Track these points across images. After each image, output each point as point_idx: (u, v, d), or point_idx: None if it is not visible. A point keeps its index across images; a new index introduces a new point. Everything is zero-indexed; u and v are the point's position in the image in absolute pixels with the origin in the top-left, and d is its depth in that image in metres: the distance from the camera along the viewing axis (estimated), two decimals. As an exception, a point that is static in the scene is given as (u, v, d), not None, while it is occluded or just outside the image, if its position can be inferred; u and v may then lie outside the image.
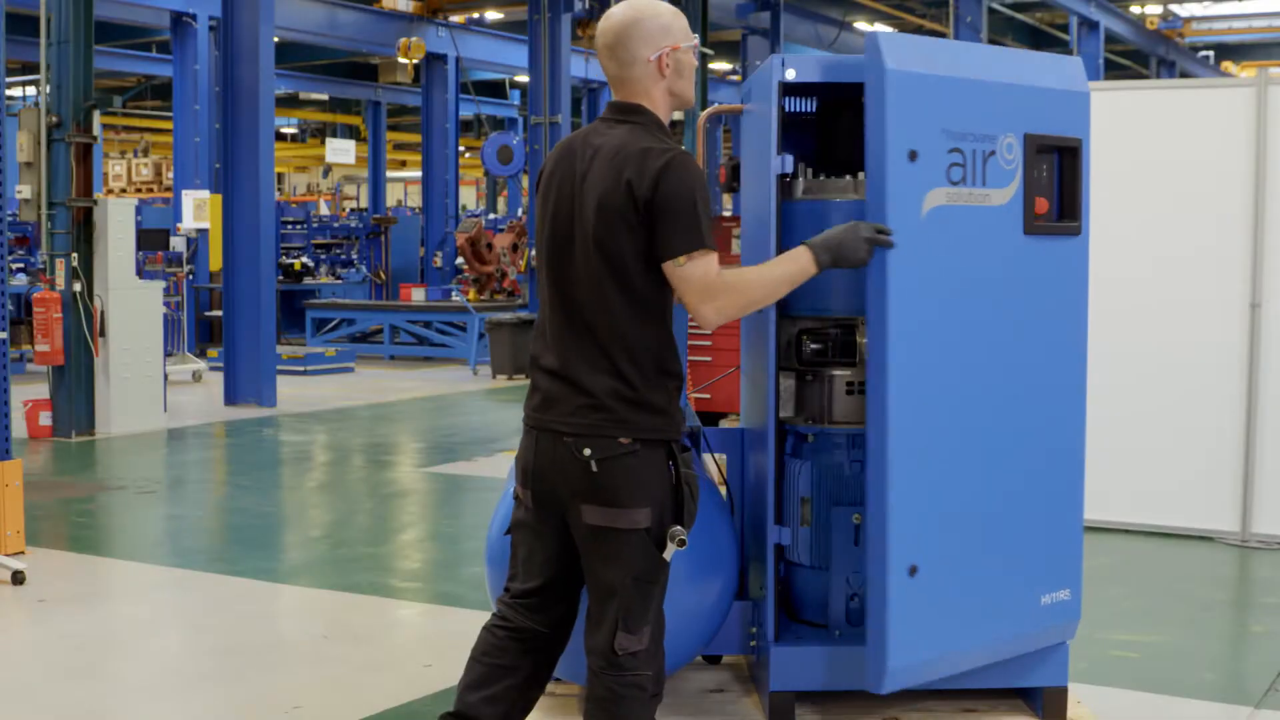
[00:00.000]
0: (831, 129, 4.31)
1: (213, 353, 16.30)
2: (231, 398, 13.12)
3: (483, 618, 5.59)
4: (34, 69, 15.70)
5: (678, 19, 3.24)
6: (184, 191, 17.07)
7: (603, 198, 3.07)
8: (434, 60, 22.05)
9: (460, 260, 19.52)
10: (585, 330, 3.12)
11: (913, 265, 3.60)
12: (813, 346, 4.09)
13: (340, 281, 22.32)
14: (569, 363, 3.14)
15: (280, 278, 18.65)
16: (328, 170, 36.25)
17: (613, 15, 3.23)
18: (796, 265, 3.29)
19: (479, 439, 11.23)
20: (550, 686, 4.04)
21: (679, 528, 3.12)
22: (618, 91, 3.24)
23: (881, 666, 3.64)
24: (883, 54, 3.56)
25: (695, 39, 3.27)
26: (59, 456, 10.24)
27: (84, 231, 10.99)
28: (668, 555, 3.12)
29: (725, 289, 3.09)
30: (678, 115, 15.93)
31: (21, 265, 17.04)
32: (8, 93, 16.97)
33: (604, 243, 3.07)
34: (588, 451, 3.09)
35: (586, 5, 17.65)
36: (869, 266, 3.56)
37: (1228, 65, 28.06)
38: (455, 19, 22.44)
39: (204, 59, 18.67)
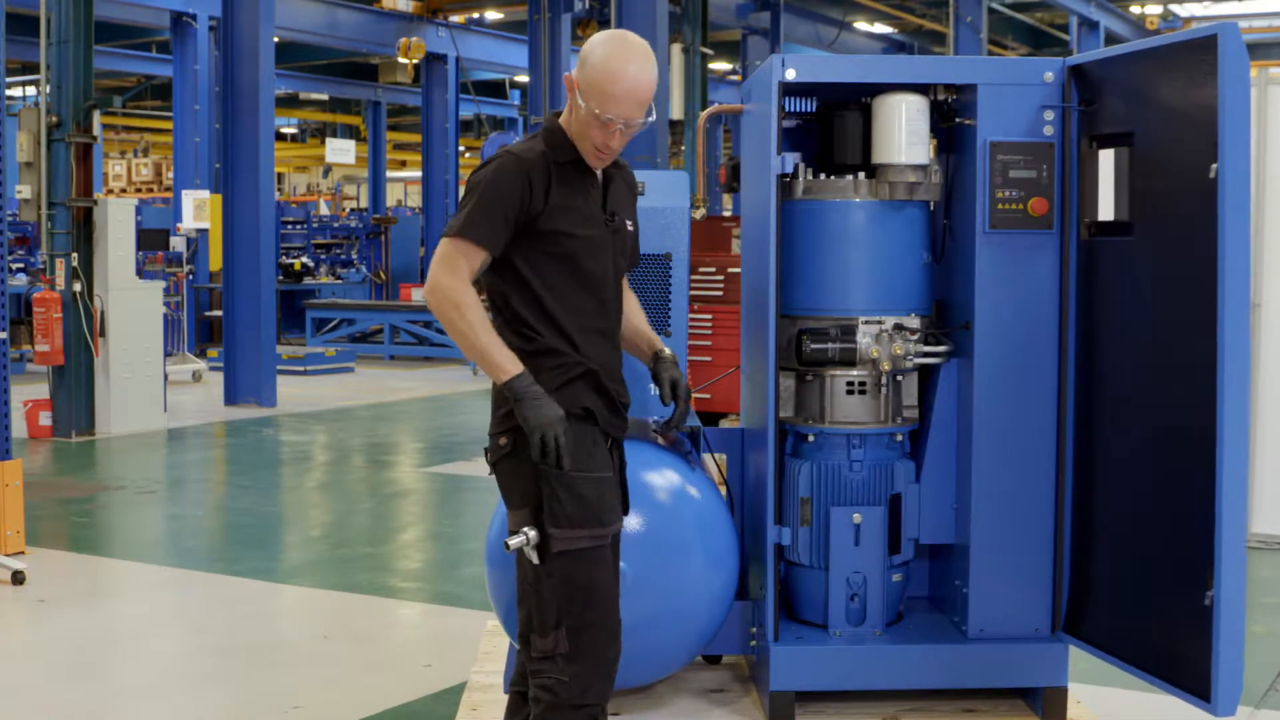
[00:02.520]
0: (831, 129, 4.31)
1: (213, 353, 16.29)
2: (231, 398, 13.11)
3: (483, 617, 5.61)
4: (34, 69, 15.70)
5: (598, 73, 2.99)
6: (184, 191, 17.07)
7: None
8: (434, 60, 22.03)
9: (460, 260, 19.48)
10: None
11: None
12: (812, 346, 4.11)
13: (340, 281, 22.31)
14: None
15: (280, 278, 18.63)
16: (328, 170, 36.21)
17: None
18: (500, 362, 3.02)
19: (479, 439, 11.19)
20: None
21: (526, 531, 3.03)
22: None
23: (1239, 685, 3.44)
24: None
25: (603, 108, 2.99)
26: (59, 456, 10.23)
27: (84, 231, 10.98)
28: (509, 546, 3.05)
29: (450, 300, 3.02)
30: (677, 114, 15.68)
31: (21, 265, 17.02)
32: (8, 93, 16.97)
33: None
34: (488, 456, 3.17)
35: (586, 5, 17.63)
36: (1226, 260, 3.27)
37: (1228, 65, 28.01)
38: (455, 19, 22.42)
39: (204, 59, 18.66)
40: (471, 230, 3.02)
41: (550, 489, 3.04)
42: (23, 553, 6.76)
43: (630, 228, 3.31)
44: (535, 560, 3.05)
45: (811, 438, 4.22)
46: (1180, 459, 3.50)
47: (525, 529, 3.05)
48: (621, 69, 3.01)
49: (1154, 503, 3.69)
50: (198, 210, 16.10)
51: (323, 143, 32.00)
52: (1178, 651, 3.53)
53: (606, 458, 3.16)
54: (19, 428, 10.16)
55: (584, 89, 3.04)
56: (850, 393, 4.18)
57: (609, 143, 3.08)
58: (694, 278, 8.74)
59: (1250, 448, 7.00)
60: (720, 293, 8.90)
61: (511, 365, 3.03)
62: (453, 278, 3.03)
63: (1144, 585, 3.72)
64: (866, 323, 4.14)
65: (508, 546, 3.05)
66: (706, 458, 4.44)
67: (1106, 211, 3.88)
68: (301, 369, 16.07)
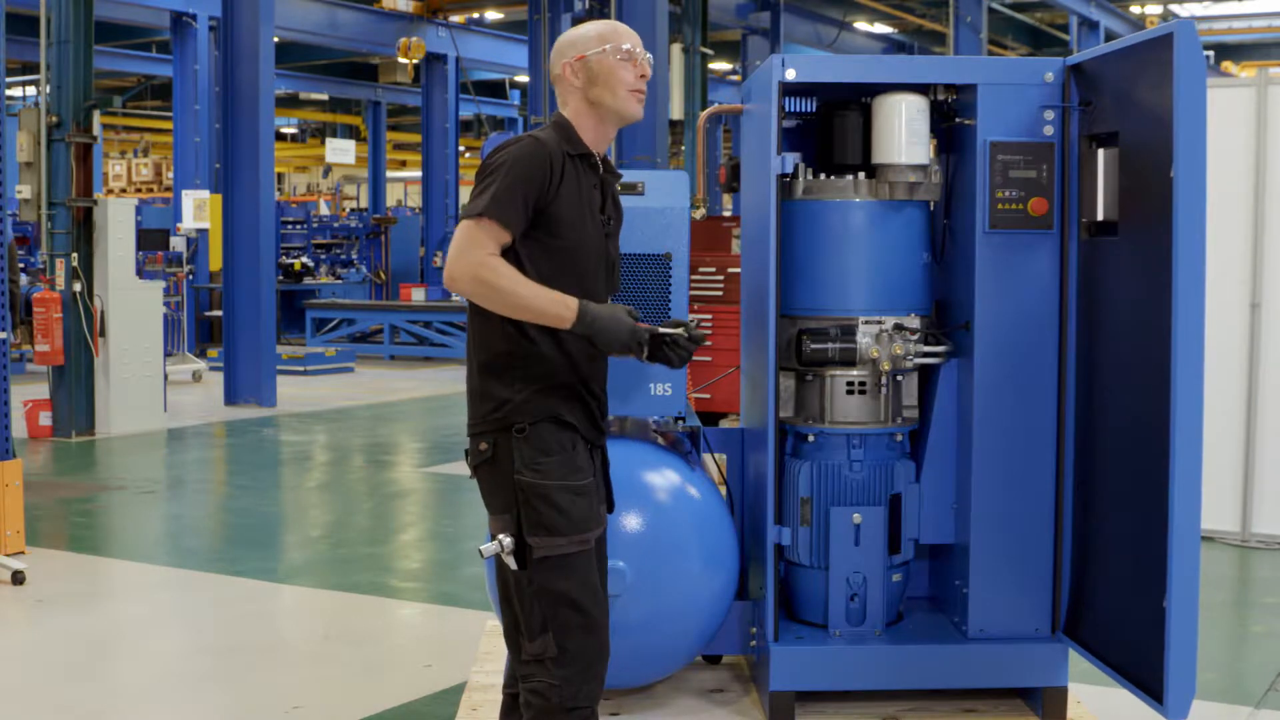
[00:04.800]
0: (831, 129, 4.31)
1: (213, 353, 16.30)
2: (231, 398, 13.11)
3: (483, 617, 5.61)
4: (34, 69, 15.70)
5: (593, 30, 3.16)
6: (184, 191, 17.06)
7: None
8: (434, 60, 22.04)
9: (460, 260, 19.48)
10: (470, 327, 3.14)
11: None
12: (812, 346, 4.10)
13: (340, 281, 22.31)
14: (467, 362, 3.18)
15: (280, 278, 18.64)
16: (328, 170, 36.20)
17: None
18: (557, 309, 2.96)
19: (479, 439, 11.21)
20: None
21: (500, 538, 3.01)
22: None
23: (1191, 689, 3.43)
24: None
25: (617, 42, 3.12)
26: (59, 456, 10.23)
27: (84, 231, 10.98)
28: (484, 553, 3.04)
29: (478, 272, 2.92)
30: (677, 115, 15.62)
31: (22, 265, 17.01)
32: (8, 93, 16.97)
33: None
34: (469, 459, 3.13)
35: (586, 5, 17.64)
36: None
37: (1228, 65, 28.02)
38: (455, 19, 22.43)
39: (204, 59, 18.66)
40: (497, 210, 2.94)
41: (527, 499, 3.01)
42: (23, 553, 6.75)
43: (617, 240, 3.27)
44: (514, 566, 3.03)
45: (811, 438, 4.22)
46: (1149, 460, 3.50)
47: (500, 536, 3.02)
48: (602, 22, 3.21)
49: (1132, 505, 3.69)
50: (198, 210, 16.10)
51: (323, 143, 32.00)
52: (1143, 654, 3.54)
53: (587, 464, 3.11)
54: (19, 428, 10.15)
55: (590, 47, 3.13)
56: (850, 393, 4.18)
57: (642, 74, 3.15)
58: (694, 278, 8.74)
59: (1251, 447, 7.00)
60: (720, 293, 8.90)
61: (567, 309, 2.95)
62: (477, 250, 2.94)
63: (1127, 588, 3.72)
64: (866, 323, 4.14)
65: (482, 553, 3.04)
66: (706, 458, 4.44)
67: (1100, 211, 3.89)
68: (301, 369, 16.07)
